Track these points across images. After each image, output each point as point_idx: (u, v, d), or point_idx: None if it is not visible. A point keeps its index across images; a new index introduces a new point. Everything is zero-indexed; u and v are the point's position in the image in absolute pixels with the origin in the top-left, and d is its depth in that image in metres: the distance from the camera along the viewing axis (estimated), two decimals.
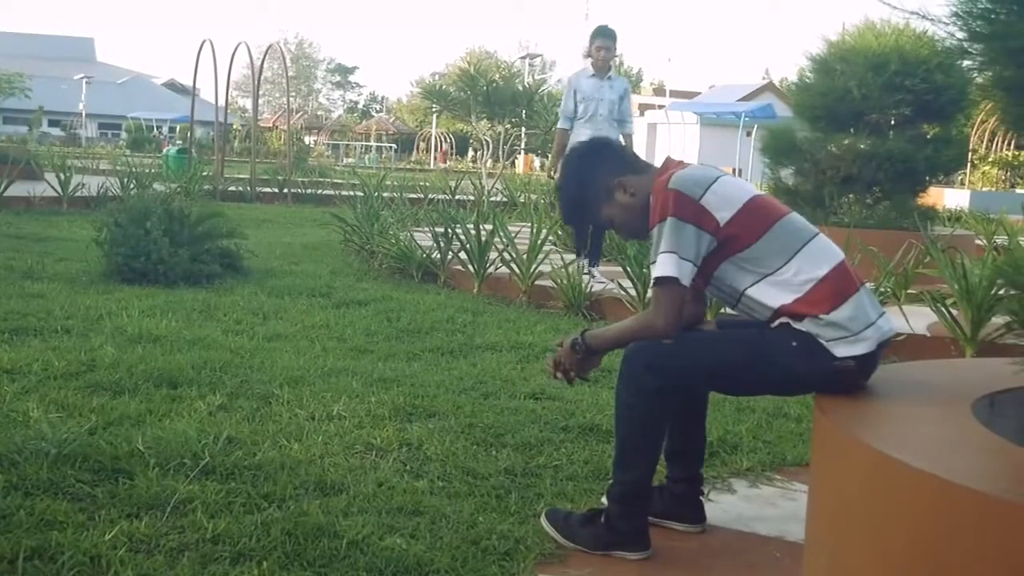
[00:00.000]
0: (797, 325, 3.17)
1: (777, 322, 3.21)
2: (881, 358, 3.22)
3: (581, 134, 8.83)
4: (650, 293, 3.44)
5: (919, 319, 6.91)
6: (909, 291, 8.05)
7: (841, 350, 3.12)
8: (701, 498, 3.74)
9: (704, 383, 3.48)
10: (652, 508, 3.53)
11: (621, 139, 8.91)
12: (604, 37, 9.25)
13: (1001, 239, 12.57)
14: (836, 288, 3.18)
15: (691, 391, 3.52)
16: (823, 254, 3.24)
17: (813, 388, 3.20)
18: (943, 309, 6.68)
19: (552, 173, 10.30)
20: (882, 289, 7.64)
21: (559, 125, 9.60)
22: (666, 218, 3.17)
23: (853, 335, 3.13)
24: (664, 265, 3.16)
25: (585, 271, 8.67)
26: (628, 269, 7.92)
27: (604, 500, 3.59)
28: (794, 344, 3.17)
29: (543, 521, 3.55)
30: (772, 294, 3.20)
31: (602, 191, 3.46)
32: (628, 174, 3.45)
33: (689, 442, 3.69)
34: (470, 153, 52.57)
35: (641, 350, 3.33)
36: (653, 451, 3.42)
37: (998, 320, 6.36)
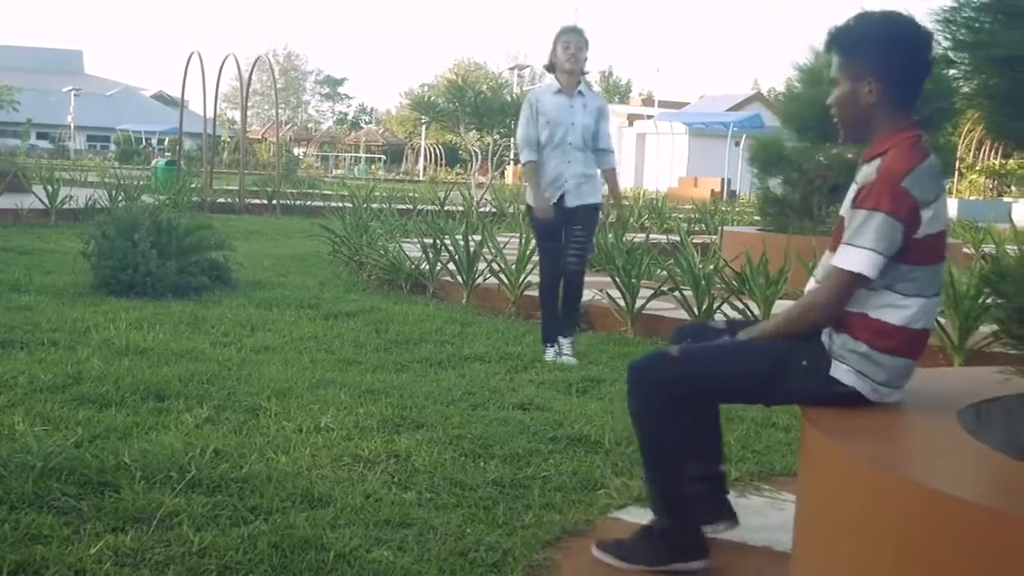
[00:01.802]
0: (836, 339, 3.14)
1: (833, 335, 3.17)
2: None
3: (546, 166, 6.77)
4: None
5: None
6: None
7: (857, 384, 3.10)
8: (727, 497, 3.65)
9: (711, 397, 3.46)
10: None
11: (599, 177, 7.05)
12: (571, 33, 6.89)
13: (988, 248, 12.62)
14: (912, 345, 3.14)
15: (699, 404, 3.48)
16: (931, 316, 3.19)
17: (803, 404, 3.19)
18: None
19: (524, 212, 7.89)
20: None
21: (525, 157, 6.82)
22: (885, 211, 3.02)
23: (884, 385, 3.11)
24: (867, 263, 3.03)
25: (555, 355, 6.73)
26: (617, 279, 7.92)
27: (649, 519, 3.57)
28: (804, 364, 3.15)
29: (595, 552, 3.51)
30: (897, 312, 3.10)
31: (868, 59, 3.18)
32: (891, 89, 3.18)
33: (705, 441, 3.60)
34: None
35: (647, 367, 3.33)
36: (678, 459, 3.38)
37: (985, 329, 6.36)
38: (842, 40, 3.24)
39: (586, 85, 6.99)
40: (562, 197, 6.72)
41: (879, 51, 3.17)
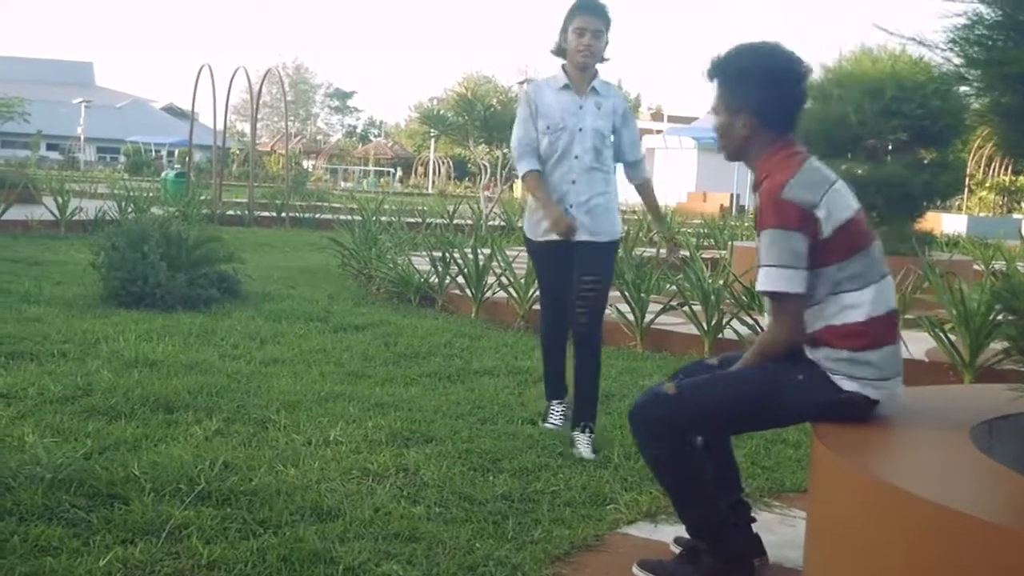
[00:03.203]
0: (818, 354, 3.18)
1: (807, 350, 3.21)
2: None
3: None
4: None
5: (917, 344, 6.90)
6: (907, 316, 8.03)
7: (858, 387, 3.12)
8: (753, 527, 3.67)
9: (717, 426, 3.45)
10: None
11: (616, 202, 5.28)
12: (589, 13, 5.11)
13: (999, 264, 12.60)
14: (886, 330, 3.19)
15: (707, 434, 3.49)
16: (889, 296, 3.24)
17: (813, 419, 3.19)
18: (941, 335, 6.68)
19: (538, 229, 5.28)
20: None
21: (525, 167, 5.16)
22: (775, 226, 3.13)
23: (882, 379, 3.14)
24: (775, 279, 3.14)
25: (560, 419, 5.28)
26: (626, 294, 7.92)
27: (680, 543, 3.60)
28: (800, 378, 3.18)
29: (636, 570, 3.50)
30: (849, 310, 3.16)
31: (741, 95, 3.31)
32: (764, 122, 3.30)
33: (721, 471, 3.62)
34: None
35: (645, 406, 3.31)
36: (698, 486, 3.38)
37: (996, 346, 6.34)
38: (719, 72, 3.36)
39: (602, 82, 5.20)
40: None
41: (753, 87, 3.29)
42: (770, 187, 3.19)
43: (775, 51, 3.34)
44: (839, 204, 3.18)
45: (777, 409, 3.25)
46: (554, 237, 5.05)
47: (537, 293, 6.09)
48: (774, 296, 3.18)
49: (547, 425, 5.21)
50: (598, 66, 5.17)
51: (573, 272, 5.06)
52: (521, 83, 50.37)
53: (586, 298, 5.00)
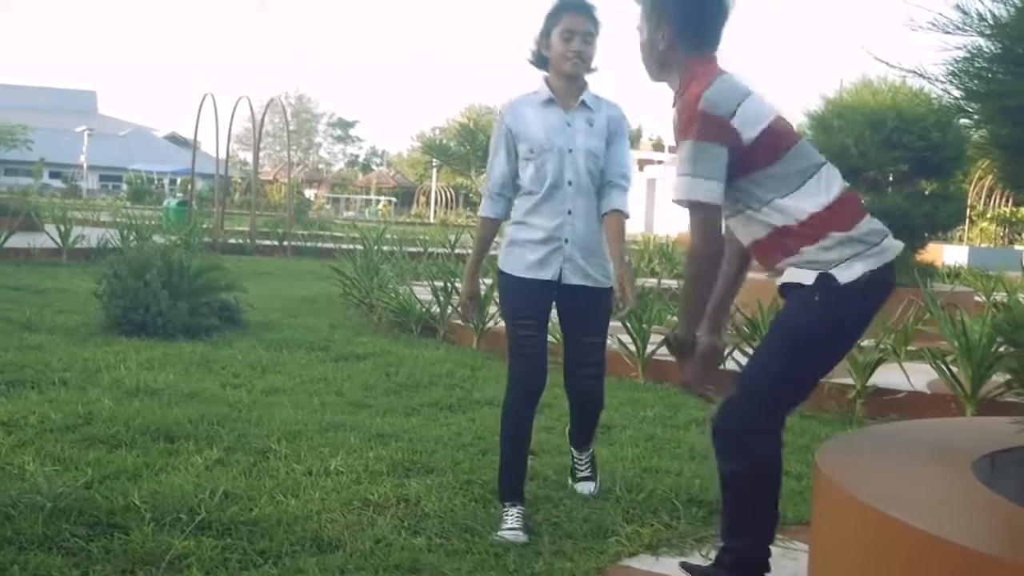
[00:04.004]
0: (803, 260, 3.19)
1: (797, 252, 3.21)
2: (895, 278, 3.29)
3: (527, 227, 4.25)
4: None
5: (919, 376, 6.90)
6: (909, 348, 8.03)
7: (862, 265, 3.15)
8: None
9: (791, 396, 3.35)
10: None
11: (610, 226, 4.25)
12: (577, 12, 4.19)
13: (1000, 296, 12.59)
14: (851, 208, 3.24)
15: (791, 409, 3.40)
16: (836, 178, 3.28)
17: (857, 326, 3.26)
18: (943, 366, 6.67)
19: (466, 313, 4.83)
20: (882, 346, 7.63)
21: (483, 210, 4.43)
22: (693, 137, 3.16)
23: (874, 245, 3.19)
24: (695, 189, 3.15)
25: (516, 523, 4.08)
26: (627, 324, 7.91)
27: (703, 562, 3.55)
28: (816, 298, 3.17)
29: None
30: (804, 202, 3.20)
31: (660, 8, 3.36)
32: (684, 36, 3.32)
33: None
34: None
35: (727, 418, 3.24)
36: (769, 511, 3.30)
37: (998, 378, 6.34)
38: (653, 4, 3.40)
39: (592, 95, 4.33)
40: (560, 271, 4.22)
41: (672, 1, 3.35)
42: (688, 98, 3.21)
43: None
44: (754, 111, 3.21)
45: (825, 339, 3.23)
46: (544, 276, 4.20)
47: None
48: (694, 206, 3.18)
49: (502, 535, 3.99)
50: (587, 77, 4.33)
51: (561, 323, 4.39)
52: None
53: (590, 364, 4.39)
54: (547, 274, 4.21)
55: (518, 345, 4.22)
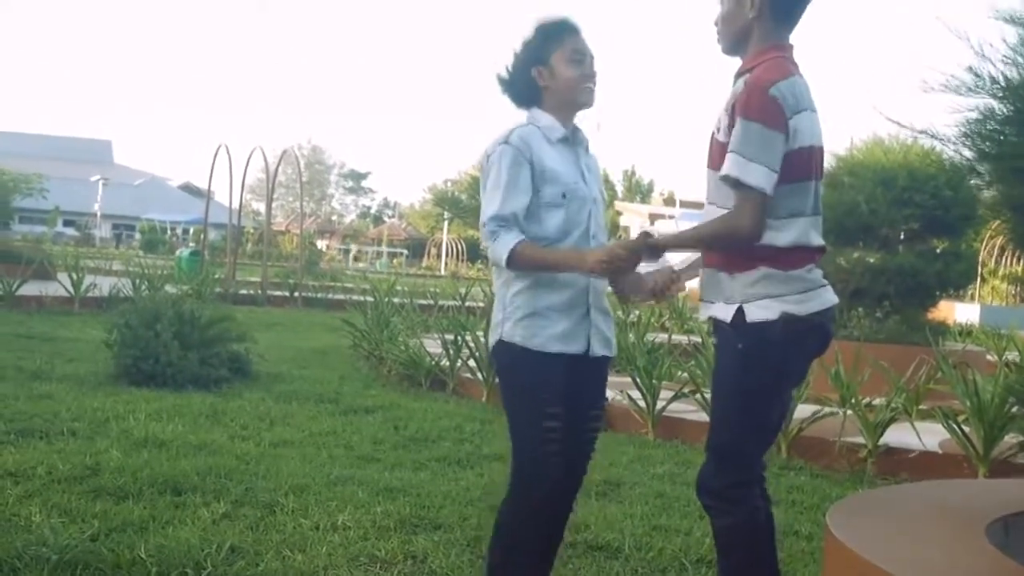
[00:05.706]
0: (734, 284, 3.16)
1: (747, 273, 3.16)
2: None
3: (547, 291, 3.41)
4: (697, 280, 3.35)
5: (931, 436, 6.85)
6: (921, 407, 7.99)
7: (774, 309, 3.10)
8: None
9: (761, 443, 3.32)
10: None
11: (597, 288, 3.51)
12: (579, 32, 3.55)
13: (1012, 355, 12.54)
14: (810, 259, 3.18)
15: (764, 452, 3.36)
16: (816, 233, 3.21)
17: (794, 372, 3.24)
18: (955, 426, 6.62)
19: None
20: (893, 405, 7.59)
21: (511, 241, 3.35)
22: (759, 121, 3.06)
23: (801, 292, 3.13)
24: (744, 170, 3.06)
25: None
26: (637, 380, 7.89)
27: None
28: (740, 346, 3.14)
29: None
30: (771, 234, 3.12)
31: None
32: (772, 9, 3.20)
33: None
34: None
35: (708, 478, 3.23)
36: (768, 571, 3.25)
37: (1011, 439, 6.30)
38: None
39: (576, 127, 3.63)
40: (588, 342, 3.46)
41: None
42: (758, 78, 3.12)
43: None
44: (807, 127, 3.15)
45: (771, 386, 3.20)
46: (572, 350, 3.43)
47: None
48: (744, 188, 3.08)
49: None
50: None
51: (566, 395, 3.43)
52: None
53: (593, 438, 3.66)
54: (575, 347, 3.44)
55: (544, 440, 3.44)
